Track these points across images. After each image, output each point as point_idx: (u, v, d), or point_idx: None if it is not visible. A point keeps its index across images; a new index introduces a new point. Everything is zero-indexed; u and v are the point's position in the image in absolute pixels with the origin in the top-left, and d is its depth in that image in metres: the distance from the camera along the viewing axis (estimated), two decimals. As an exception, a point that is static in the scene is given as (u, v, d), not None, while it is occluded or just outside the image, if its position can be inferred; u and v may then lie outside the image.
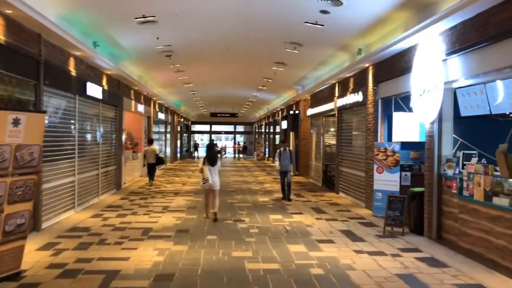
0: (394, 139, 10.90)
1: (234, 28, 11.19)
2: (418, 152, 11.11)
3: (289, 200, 12.70)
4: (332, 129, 17.47)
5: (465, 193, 7.20)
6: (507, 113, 6.83)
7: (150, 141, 18.05)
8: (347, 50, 12.02)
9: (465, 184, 7.24)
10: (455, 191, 7.53)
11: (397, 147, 10.18)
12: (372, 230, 8.83)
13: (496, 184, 6.56)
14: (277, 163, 13.19)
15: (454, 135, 11.12)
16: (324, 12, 9.01)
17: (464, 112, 7.84)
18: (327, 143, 17.42)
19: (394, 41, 9.06)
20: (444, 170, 7.98)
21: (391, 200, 8.73)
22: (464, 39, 6.96)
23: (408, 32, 8.29)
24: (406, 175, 10.29)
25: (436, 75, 7.63)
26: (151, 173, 16.82)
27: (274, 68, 16.15)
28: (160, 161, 17.64)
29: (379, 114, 10.96)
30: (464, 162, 7.80)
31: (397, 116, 10.99)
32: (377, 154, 10.42)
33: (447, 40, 7.52)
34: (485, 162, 6.84)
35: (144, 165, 17.30)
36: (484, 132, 8.38)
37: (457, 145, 8.17)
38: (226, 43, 12.82)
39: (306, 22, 9.89)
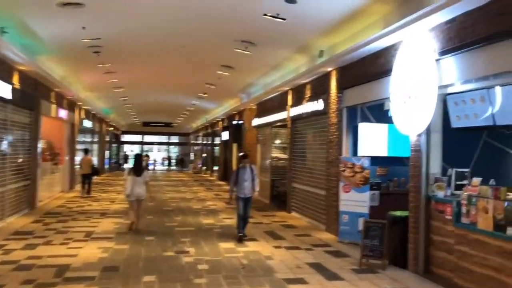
0: (359, 153, 9.62)
1: (177, 22, 9.45)
2: (385, 168, 9.95)
3: (243, 237, 8.94)
4: (280, 141, 16.11)
5: (465, 220, 5.94)
6: None
7: (86, 151, 17.54)
8: (306, 52, 10.65)
9: (464, 209, 5.98)
10: (450, 217, 6.26)
11: (366, 163, 8.88)
12: (344, 262, 7.37)
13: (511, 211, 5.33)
14: (231, 187, 9.25)
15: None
16: (290, 1, 7.53)
17: (456, 123, 6.65)
18: (276, 156, 16.00)
19: (369, 40, 7.76)
20: (433, 191, 6.72)
21: (368, 226, 7.35)
22: (467, 34, 5.73)
23: (390, 28, 7.01)
24: (374, 194, 9.03)
25: (427, 78, 6.37)
26: (86, 183, 16.45)
27: (219, 72, 14.50)
28: (95, 172, 17.51)
29: (343, 124, 9.64)
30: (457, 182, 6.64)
31: (363, 127, 9.73)
32: (344, 171, 9.07)
33: (441, 36, 6.29)
34: (494, 183, 5.61)
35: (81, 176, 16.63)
36: (474, 147, 7.30)
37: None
38: (166, 39, 11.01)
39: (265, 15, 8.38)
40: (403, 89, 6.98)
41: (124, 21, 9.51)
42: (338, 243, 8.83)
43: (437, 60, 6.32)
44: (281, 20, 8.48)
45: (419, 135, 6.82)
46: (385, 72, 7.78)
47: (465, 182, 6.76)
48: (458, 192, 6.57)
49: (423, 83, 6.46)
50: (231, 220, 11.31)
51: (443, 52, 6.21)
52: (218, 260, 7.34)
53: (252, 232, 9.65)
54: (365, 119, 9.81)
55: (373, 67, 8.31)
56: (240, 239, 8.83)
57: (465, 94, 6.26)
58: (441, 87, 6.29)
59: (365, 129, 9.68)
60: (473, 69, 5.75)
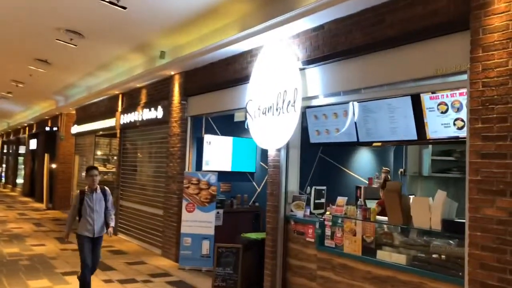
0: (203, 167, 8.74)
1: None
2: (228, 184, 9.29)
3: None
4: (104, 152, 14.27)
5: (329, 243, 5.50)
6: (385, 140, 5.44)
7: None
8: (145, 52, 9.36)
9: (328, 231, 5.54)
10: (311, 240, 5.78)
11: (213, 179, 8.03)
12: (193, 295, 6.33)
13: (382, 234, 5.03)
14: (69, 221, 6.01)
15: (263, 164, 9.84)
16: (136, -16, 6.28)
17: (315, 138, 6.25)
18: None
19: (222, 43, 6.98)
20: (291, 211, 6.19)
21: (221, 252, 6.45)
22: (338, 43, 5.35)
23: (248, 31, 6.34)
24: (218, 213, 8.23)
25: (291, 88, 5.84)
26: None
27: (31, 68, 12.02)
28: None
29: (188, 136, 8.63)
30: (316, 201, 6.25)
31: (208, 140, 8.89)
32: (188, 187, 8.04)
33: (307, 44, 5.83)
34: (362, 203, 5.26)
35: None
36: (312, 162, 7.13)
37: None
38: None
39: (102, 0, 6.91)
40: (263, 100, 6.34)
41: None
42: (179, 271, 7.71)
43: (302, 69, 5.84)
44: (121, 8, 7.10)
45: (279, 150, 6.25)
46: (239, 80, 7.10)
47: (322, 200, 6.44)
48: (317, 211, 6.19)
49: (286, 94, 5.91)
50: (43, 248, 9.21)
51: (309, 62, 5.76)
52: (29, 308, 5.54)
53: (72, 263, 7.85)
54: (210, 131, 9.00)
55: (224, 74, 7.54)
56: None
57: (327, 107, 5.90)
58: (306, 98, 5.81)
59: (210, 141, 8.87)
60: (340, 81, 5.39)
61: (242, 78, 7.03)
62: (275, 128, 6.08)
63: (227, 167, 9.10)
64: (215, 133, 9.07)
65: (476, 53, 3.85)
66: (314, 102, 5.85)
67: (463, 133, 4.49)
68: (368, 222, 5.07)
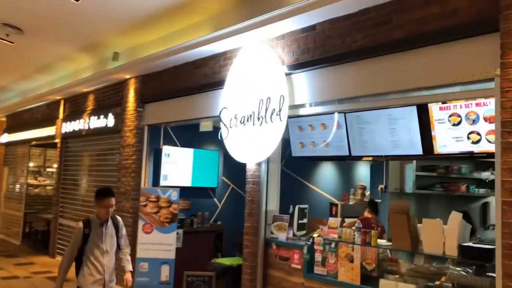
0: (161, 183, 7.87)
1: None
2: (188, 201, 8.45)
3: None
4: (39, 164, 12.87)
5: (319, 270, 4.87)
6: (384, 155, 4.92)
7: None
8: (95, 52, 8.34)
9: (318, 257, 4.91)
10: (298, 266, 5.12)
11: (175, 195, 7.16)
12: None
13: (386, 260, 4.47)
14: (64, 266, 4.23)
15: (225, 178, 9.11)
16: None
17: (299, 152, 5.63)
18: (32, 184, 12.63)
19: (191, 44, 6.23)
20: (272, 233, 5.51)
21: (190, 281, 5.63)
22: (331, 46, 4.79)
23: (225, 30, 5.65)
24: (178, 233, 7.36)
25: (276, 95, 5.19)
26: None
27: (-44, 68, 10.53)
28: None
29: (144, 147, 7.71)
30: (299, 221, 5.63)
31: (167, 152, 8.03)
32: (145, 205, 7.11)
33: (295, 47, 5.23)
34: (360, 225, 4.67)
35: None
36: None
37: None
38: None
39: (49, -13, 5.95)
40: (241, 108, 5.64)
41: None
42: (135, 301, 6.74)
43: (288, 74, 5.22)
44: (73, 0, 6.16)
45: (259, 164, 5.57)
46: (210, 85, 6.37)
47: (305, 220, 5.82)
48: (300, 232, 5.56)
49: (270, 102, 5.26)
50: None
51: (296, 66, 5.15)
52: None
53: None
54: (169, 141, 8.15)
55: (191, 78, 6.77)
56: None
57: (314, 117, 5.31)
58: (292, 107, 5.18)
59: (168, 153, 8.01)
60: (334, 88, 4.82)
61: (213, 83, 6.31)
62: (256, 139, 5.40)
63: (187, 182, 8.28)
64: (174, 144, 8.24)
65: (508, 58, 3.41)
66: (302, 111, 5.24)
67: (478, 148, 4.06)
68: (368, 247, 4.49)
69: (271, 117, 5.20)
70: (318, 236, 4.98)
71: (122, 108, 8.13)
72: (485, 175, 6.66)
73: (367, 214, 6.16)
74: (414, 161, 6.45)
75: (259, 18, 5.19)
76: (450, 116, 4.21)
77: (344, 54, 4.65)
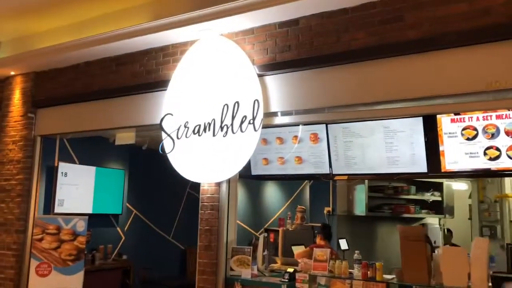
0: (57, 209, 6.20)
1: None
2: (88, 232, 6.81)
3: None
4: None
5: (305, 313, 4.00)
6: (377, 173, 4.24)
7: None
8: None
9: (302, 297, 4.04)
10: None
11: (81, 226, 5.63)
12: None
13: (397, 297, 3.78)
14: None
15: (128, 204, 7.70)
16: None
17: (261, 169, 4.74)
18: None
19: (117, 34, 4.97)
20: (231, 270, 4.47)
21: None
22: (323, 44, 4.06)
23: (170, 19, 4.57)
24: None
25: (247, 100, 4.25)
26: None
27: None
28: None
29: (35, 163, 5.96)
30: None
31: (63, 170, 6.38)
32: (41, 239, 5.42)
33: (270, 44, 4.36)
34: (359, 257, 3.93)
35: None
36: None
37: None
38: None
39: None
40: (194, 114, 4.55)
41: None
42: None
43: (260, 76, 4.33)
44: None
45: (219, 184, 4.52)
46: (140, 87, 5.17)
47: (265, 252, 4.91)
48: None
49: (237, 108, 4.29)
50: None
51: (271, 67, 4.30)
52: None
53: None
54: (66, 157, 6.53)
55: (111, 78, 5.42)
56: None
57: (285, 128, 4.51)
58: (268, 114, 4.30)
59: (66, 172, 6.40)
60: (324, 94, 4.07)
61: (146, 85, 5.09)
62: (218, 153, 4.35)
63: (87, 208, 6.70)
64: (73, 161, 6.63)
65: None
66: (277, 121, 4.36)
67: (497, 165, 3.68)
68: (373, 283, 3.77)
69: (240, 126, 4.22)
70: (299, 271, 4.11)
71: (3, 113, 6.25)
72: (427, 195, 6.54)
73: (319, 241, 5.50)
74: (366, 181, 6.02)
75: (216, 8, 4.28)
76: (463, 130, 3.79)
77: (340, 54, 3.95)
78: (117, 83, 5.36)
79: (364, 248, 6.33)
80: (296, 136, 4.55)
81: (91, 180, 6.78)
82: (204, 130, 4.44)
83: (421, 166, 3.96)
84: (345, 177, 5.11)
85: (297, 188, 11.04)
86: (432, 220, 6.97)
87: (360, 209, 6.06)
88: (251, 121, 4.17)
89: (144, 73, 5.16)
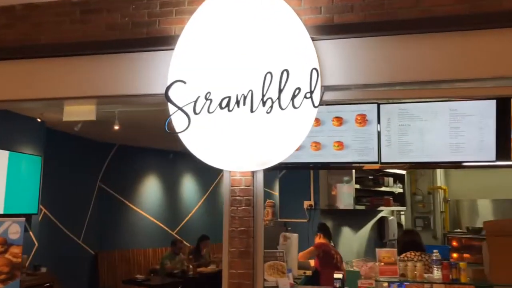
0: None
1: None
2: None
3: None
4: None
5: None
6: (437, 161, 3.71)
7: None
8: None
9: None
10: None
11: (16, 231, 4.04)
12: None
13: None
14: None
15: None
16: None
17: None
18: None
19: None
20: (265, 280, 3.56)
21: None
22: (398, 7, 3.42)
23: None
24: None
25: (301, 69, 3.39)
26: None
27: None
28: None
29: None
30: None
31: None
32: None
33: (323, 1, 3.56)
34: (438, 257, 3.39)
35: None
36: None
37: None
38: None
39: None
40: (221, 83, 3.48)
41: None
42: None
43: (315, 39, 3.51)
44: None
45: (253, 174, 3.56)
46: (118, 43, 3.88)
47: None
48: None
49: (287, 77, 3.39)
50: None
51: (327, 30, 3.51)
52: None
53: None
54: None
55: (72, 29, 3.98)
56: None
57: (321, 108, 3.76)
58: (326, 88, 3.50)
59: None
60: (400, 66, 3.46)
61: (134, 41, 3.82)
62: (258, 133, 3.40)
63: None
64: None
65: None
66: (328, 97, 3.58)
67: None
68: (458, 286, 3.28)
69: (292, 101, 3.34)
70: (362, 278, 3.42)
71: None
72: (394, 188, 6.39)
73: (320, 239, 4.91)
74: (353, 171, 5.56)
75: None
76: (538, 115, 3.53)
77: (421, 20, 3.36)
78: (83, 36, 3.93)
79: (348, 244, 5.91)
80: (338, 117, 3.83)
81: (3, 169, 5.02)
82: (237, 104, 3.42)
83: (490, 154, 3.60)
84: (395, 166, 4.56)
85: (212, 182, 10.22)
86: (388, 213, 6.89)
87: (346, 202, 5.57)
88: (308, 95, 3.32)
89: (130, 26, 3.86)
